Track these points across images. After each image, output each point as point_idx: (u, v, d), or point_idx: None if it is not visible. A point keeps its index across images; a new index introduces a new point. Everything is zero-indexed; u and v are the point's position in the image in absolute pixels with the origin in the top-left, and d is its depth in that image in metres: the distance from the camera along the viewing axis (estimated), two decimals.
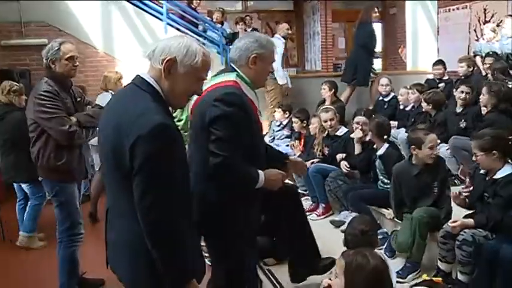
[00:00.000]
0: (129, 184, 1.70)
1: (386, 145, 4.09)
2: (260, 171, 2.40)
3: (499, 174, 3.05)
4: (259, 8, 11.79)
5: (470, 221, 3.01)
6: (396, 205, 3.66)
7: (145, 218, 1.69)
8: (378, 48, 12.56)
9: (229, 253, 2.44)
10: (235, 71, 2.46)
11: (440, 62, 6.64)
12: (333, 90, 6.23)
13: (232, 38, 7.67)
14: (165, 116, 1.77)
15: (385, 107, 6.12)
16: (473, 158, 3.16)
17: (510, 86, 4.96)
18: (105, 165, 1.87)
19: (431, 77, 6.85)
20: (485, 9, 8.83)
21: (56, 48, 3.09)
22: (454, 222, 3.04)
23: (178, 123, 4.35)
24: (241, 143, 2.31)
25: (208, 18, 8.55)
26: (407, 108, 5.79)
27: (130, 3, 7.52)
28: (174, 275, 1.74)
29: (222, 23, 8.65)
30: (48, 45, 3.17)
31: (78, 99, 3.38)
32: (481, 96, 4.50)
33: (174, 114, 3.47)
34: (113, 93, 5.30)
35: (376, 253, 2.02)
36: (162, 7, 7.61)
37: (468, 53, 7.82)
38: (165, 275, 1.73)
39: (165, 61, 1.78)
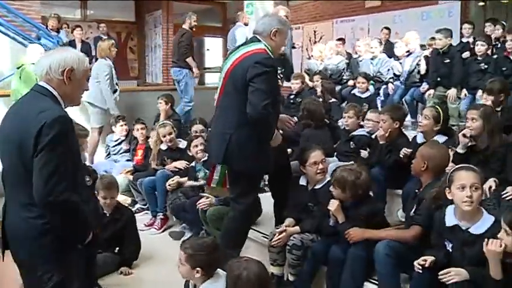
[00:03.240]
0: (29, 176, 2.00)
1: None
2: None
3: (319, 185, 3.37)
4: (100, 18, 11.31)
5: (296, 228, 3.26)
6: None
7: (43, 188, 1.97)
8: (219, 63, 13.04)
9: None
10: (260, 41, 3.06)
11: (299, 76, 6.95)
12: (170, 104, 6.17)
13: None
14: (64, 111, 2.13)
15: None
16: (313, 168, 3.40)
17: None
18: (7, 162, 2.15)
19: None
20: (315, 31, 9.71)
21: None
22: (281, 232, 3.25)
23: None
24: (274, 95, 2.99)
25: (43, 25, 8.01)
26: None
27: None
28: (73, 231, 2.13)
29: (58, 31, 8.18)
30: None
31: None
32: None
33: None
34: (107, 60, 6.20)
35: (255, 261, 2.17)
36: None
37: (301, 71, 8.45)
38: (66, 235, 2.09)
39: (65, 72, 2.14)
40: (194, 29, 7.46)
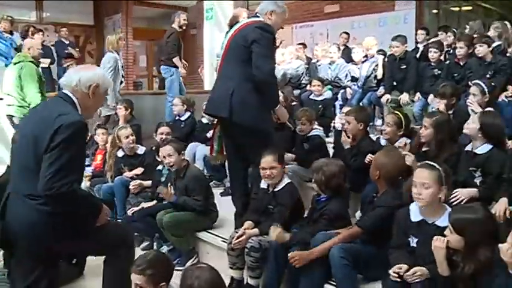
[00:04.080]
0: (39, 170, 2.23)
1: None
2: None
3: (278, 187, 3.39)
4: (56, 20, 11.06)
5: (255, 230, 3.27)
6: None
7: (47, 182, 2.21)
8: None
9: None
10: (259, 17, 3.45)
11: None
12: (129, 110, 6.08)
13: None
14: (82, 118, 2.39)
15: (182, 126, 6.23)
16: (268, 171, 3.36)
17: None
18: (21, 157, 2.40)
19: None
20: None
21: None
22: (240, 236, 3.25)
23: None
24: (273, 58, 3.42)
25: None
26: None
27: None
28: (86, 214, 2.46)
29: (11, 33, 7.95)
30: None
31: None
32: None
33: None
34: (114, 53, 6.50)
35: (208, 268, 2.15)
36: None
37: None
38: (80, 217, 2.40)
39: (91, 87, 2.46)
40: (184, 28, 7.54)
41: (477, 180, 3.05)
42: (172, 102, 6.63)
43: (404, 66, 5.91)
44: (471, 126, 3.17)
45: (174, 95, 7.10)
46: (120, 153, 4.92)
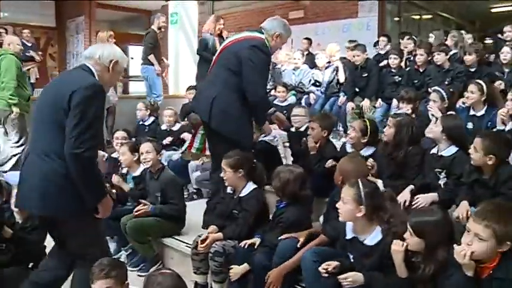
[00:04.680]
0: (58, 129, 2.40)
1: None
2: None
3: (243, 192, 3.40)
4: (15, 21, 10.67)
5: (219, 235, 3.29)
6: None
7: (74, 142, 2.35)
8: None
9: None
10: (263, 34, 3.51)
11: (193, 87, 7.02)
12: None
13: None
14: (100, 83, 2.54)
15: (146, 130, 6.20)
16: (222, 174, 3.44)
17: None
18: (42, 116, 2.55)
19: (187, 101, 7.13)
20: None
21: None
22: (204, 240, 3.27)
23: None
24: (265, 80, 3.67)
25: None
26: (174, 129, 6.02)
27: None
28: (94, 191, 2.51)
29: None
30: None
31: None
32: None
33: None
34: None
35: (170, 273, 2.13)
36: None
37: None
38: (86, 193, 2.46)
39: (112, 62, 2.65)
40: (162, 30, 7.90)
41: (441, 182, 3.15)
42: (157, 99, 6.89)
43: (366, 74, 6.02)
44: (434, 129, 3.27)
45: (158, 91, 7.37)
46: None
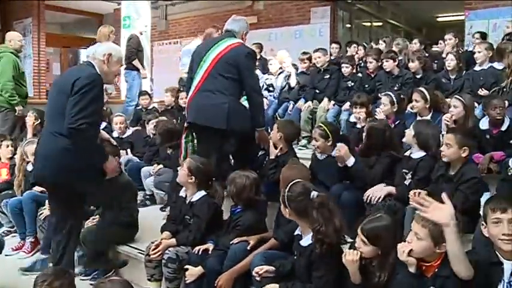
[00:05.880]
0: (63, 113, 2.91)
1: None
2: None
3: (195, 197, 3.40)
4: None
5: (172, 241, 3.28)
6: None
7: (71, 117, 2.87)
8: None
9: None
10: (236, 37, 3.81)
11: (146, 93, 7.09)
12: (39, 120, 5.62)
13: None
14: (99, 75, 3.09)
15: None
16: (179, 168, 3.47)
17: None
18: (52, 103, 3.15)
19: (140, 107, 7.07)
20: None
21: None
22: (157, 246, 3.25)
23: None
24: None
25: None
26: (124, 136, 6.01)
27: None
28: (96, 159, 3.20)
29: None
30: None
31: None
32: None
33: None
34: None
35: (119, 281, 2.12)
36: None
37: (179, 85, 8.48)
38: (90, 161, 3.08)
39: (105, 55, 3.16)
40: (142, 33, 8.20)
41: (407, 182, 3.30)
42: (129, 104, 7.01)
43: (328, 76, 6.11)
44: (407, 133, 3.46)
45: (131, 97, 7.36)
46: (29, 167, 4.55)
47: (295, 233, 2.74)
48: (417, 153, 3.36)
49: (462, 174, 3.03)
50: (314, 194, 2.59)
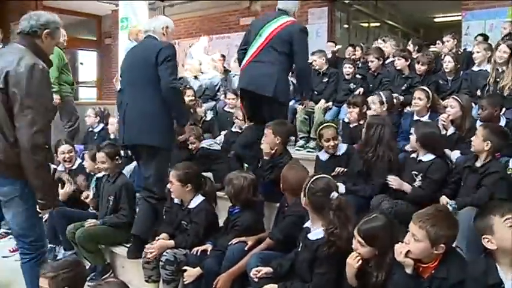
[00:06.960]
0: (151, 81, 3.41)
1: None
2: None
3: (192, 204, 3.41)
4: None
5: (171, 242, 3.29)
6: None
7: (168, 77, 3.37)
8: (93, 77, 12.55)
9: None
10: (288, 15, 4.10)
11: None
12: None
13: None
14: None
15: (95, 138, 6.07)
16: (168, 186, 3.46)
17: None
18: (134, 73, 3.53)
19: None
20: (190, 47, 9.77)
21: None
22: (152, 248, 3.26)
23: None
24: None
25: None
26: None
27: None
28: (184, 113, 3.71)
29: None
30: None
31: None
32: None
33: None
34: (132, 42, 6.41)
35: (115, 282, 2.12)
36: None
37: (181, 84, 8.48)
38: (179, 115, 3.58)
39: (163, 28, 3.62)
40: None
41: (416, 184, 3.28)
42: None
43: (326, 80, 6.10)
44: (411, 137, 3.42)
45: None
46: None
47: (304, 225, 2.71)
48: (426, 156, 3.30)
49: (487, 168, 3.06)
50: (334, 194, 2.56)
